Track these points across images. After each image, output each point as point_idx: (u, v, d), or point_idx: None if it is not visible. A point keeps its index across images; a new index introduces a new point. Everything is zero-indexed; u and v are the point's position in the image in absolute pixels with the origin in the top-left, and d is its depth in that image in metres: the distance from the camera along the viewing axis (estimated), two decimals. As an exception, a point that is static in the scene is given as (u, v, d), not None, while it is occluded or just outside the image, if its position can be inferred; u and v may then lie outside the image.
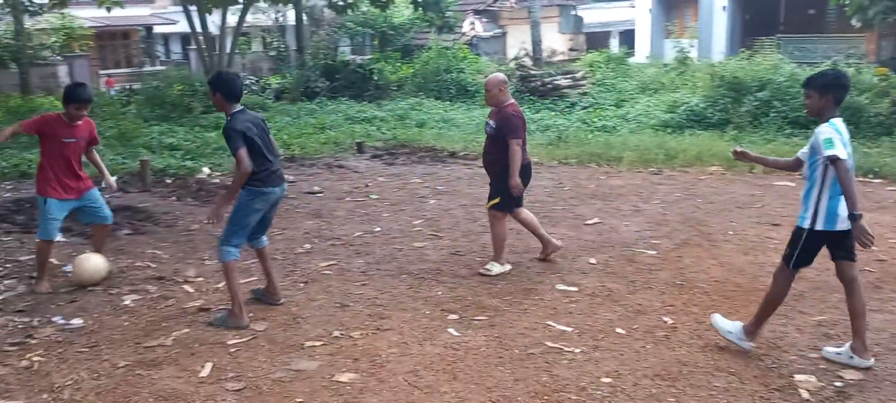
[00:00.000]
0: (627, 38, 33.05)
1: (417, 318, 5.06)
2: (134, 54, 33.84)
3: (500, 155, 5.87)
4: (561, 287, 5.66)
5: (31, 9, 20.22)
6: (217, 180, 10.33)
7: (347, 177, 10.62)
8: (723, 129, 13.52)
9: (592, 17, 35.83)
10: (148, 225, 7.85)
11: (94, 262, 5.80)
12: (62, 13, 24.10)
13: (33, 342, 4.75)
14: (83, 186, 5.72)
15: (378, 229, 7.56)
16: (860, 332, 4.22)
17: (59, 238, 6.17)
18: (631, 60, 23.08)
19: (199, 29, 18.85)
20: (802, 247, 4.19)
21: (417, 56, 23.37)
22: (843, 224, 4.07)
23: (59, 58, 24.60)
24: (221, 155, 11.51)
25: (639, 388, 4.02)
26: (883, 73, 14.35)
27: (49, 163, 5.54)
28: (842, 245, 4.18)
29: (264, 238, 5.32)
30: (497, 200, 5.95)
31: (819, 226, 4.12)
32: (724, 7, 27.46)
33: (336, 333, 4.80)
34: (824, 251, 4.26)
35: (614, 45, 32.12)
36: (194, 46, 20.93)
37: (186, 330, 4.90)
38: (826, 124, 4.12)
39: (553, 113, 16.68)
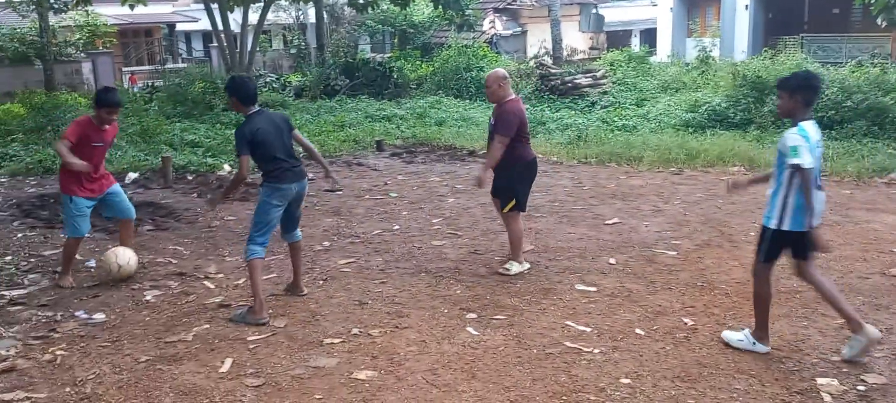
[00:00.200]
0: (649, 36, 32.85)
1: (436, 317, 5.06)
2: (156, 52, 34.17)
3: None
4: (580, 287, 5.64)
5: (55, 6, 20.46)
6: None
7: (367, 174, 10.64)
8: (745, 129, 13.41)
9: (613, 15, 35.66)
10: (169, 221, 7.92)
11: (124, 255, 5.82)
12: (86, 11, 24.35)
13: (56, 336, 4.82)
14: (105, 183, 5.82)
15: (397, 227, 7.57)
16: (845, 314, 4.30)
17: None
18: (652, 59, 22.91)
19: (220, 27, 18.97)
20: (770, 245, 4.31)
21: (437, 54, 23.37)
22: (806, 226, 4.17)
23: (82, 55, 24.89)
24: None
25: (658, 390, 3.99)
26: (909, 73, 14.16)
27: None
28: (803, 245, 4.26)
29: (297, 232, 5.45)
30: (512, 204, 5.93)
31: (785, 227, 4.22)
32: (746, 6, 27.16)
33: (355, 331, 4.82)
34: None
35: (635, 44, 31.95)
36: (216, 44, 21.07)
37: (207, 326, 4.94)
38: (795, 129, 4.16)
39: (573, 112, 16.62)
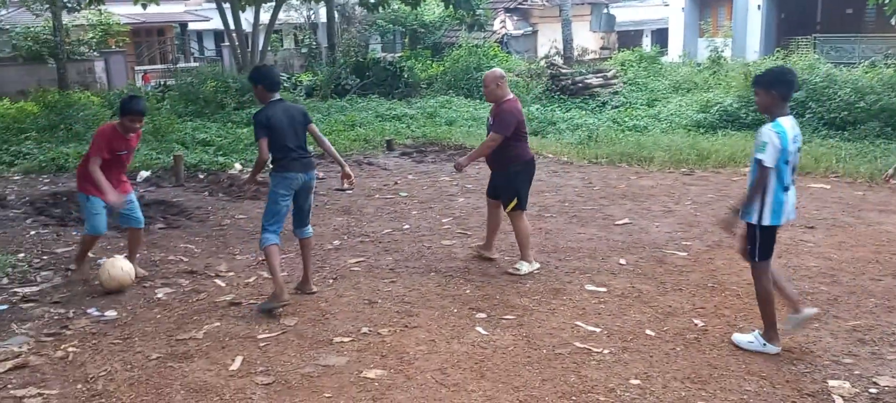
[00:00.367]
0: (660, 36, 32.75)
1: (445, 316, 5.06)
2: (168, 51, 34.34)
3: (500, 151, 5.87)
4: (590, 287, 5.63)
5: (69, 5, 20.60)
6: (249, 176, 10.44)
7: (377, 174, 10.66)
8: (757, 130, 13.30)
9: (625, 15, 35.57)
10: (181, 219, 7.96)
11: (120, 266, 5.66)
12: (99, 10, 24.50)
13: (68, 333, 4.85)
14: (123, 190, 5.75)
15: (407, 226, 7.58)
16: (791, 298, 4.44)
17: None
18: (663, 59, 22.84)
19: (232, 26, 19.06)
20: (760, 243, 4.31)
21: (447, 54, 23.38)
22: (786, 218, 4.24)
23: (95, 54, 25.04)
24: (253, 151, 11.62)
25: (668, 391, 3.98)
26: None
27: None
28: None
29: (309, 228, 5.53)
30: (514, 202, 5.95)
31: (766, 221, 4.25)
32: (759, 5, 27.02)
33: (364, 330, 4.83)
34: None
35: (647, 44, 31.84)
36: (227, 43, 21.19)
37: (217, 324, 4.96)
38: (770, 124, 4.23)
39: (584, 112, 16.58)
